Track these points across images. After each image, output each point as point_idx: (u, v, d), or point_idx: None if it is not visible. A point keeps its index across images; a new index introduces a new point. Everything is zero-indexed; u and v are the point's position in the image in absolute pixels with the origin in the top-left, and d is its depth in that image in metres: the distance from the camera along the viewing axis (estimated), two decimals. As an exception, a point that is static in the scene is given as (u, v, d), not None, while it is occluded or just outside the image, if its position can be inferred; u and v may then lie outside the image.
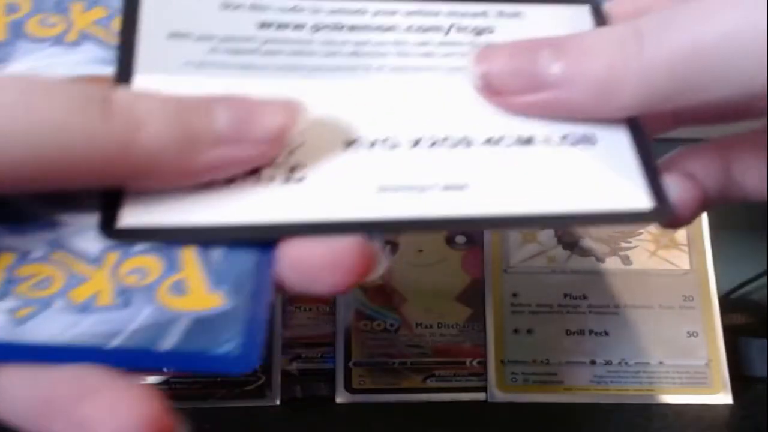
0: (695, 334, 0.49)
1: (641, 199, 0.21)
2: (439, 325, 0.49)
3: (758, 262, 0.56)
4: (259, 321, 0.19)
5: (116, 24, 0.23)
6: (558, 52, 0.21)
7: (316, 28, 0.23)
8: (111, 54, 0.22)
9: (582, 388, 0.48)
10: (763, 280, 0.57)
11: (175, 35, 0.22)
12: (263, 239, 0.20)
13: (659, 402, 0.47)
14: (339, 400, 0.47)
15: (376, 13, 0.24)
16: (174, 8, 0.23)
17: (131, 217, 0.20)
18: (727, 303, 0.51)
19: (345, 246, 0.19)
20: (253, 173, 0.20)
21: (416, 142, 0.22)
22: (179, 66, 0.22)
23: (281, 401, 0.47)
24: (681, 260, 0.51)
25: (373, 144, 0.21)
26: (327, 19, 0.23)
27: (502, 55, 0.22)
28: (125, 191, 0.20)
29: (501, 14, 0.24)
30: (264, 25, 0.23)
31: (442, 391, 0.48)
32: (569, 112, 0.22)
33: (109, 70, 0.22)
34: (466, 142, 0.22)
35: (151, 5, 0.23)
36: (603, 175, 0.22)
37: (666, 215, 0.21)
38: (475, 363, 0.49)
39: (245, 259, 0.20)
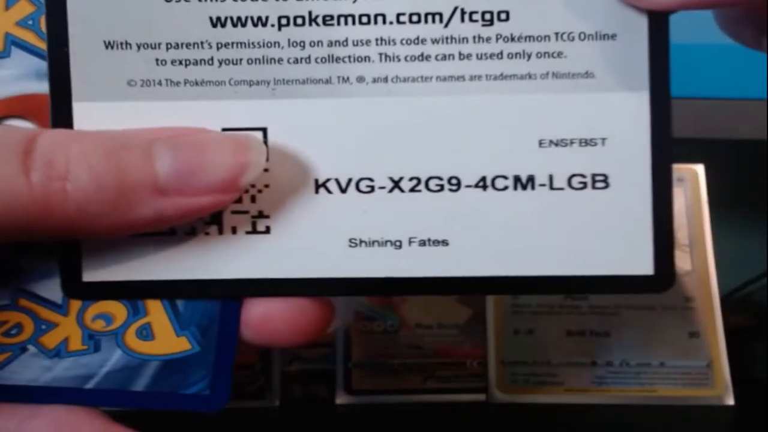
0: (697, 335, 0.49)
1: (643, 264, 0.19)
2: (440, 326, 0.49)
3: (760, 263, 0.56)
4: (227, 361, 0.19)
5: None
6: None
7: (281, 23, 0.19)
8: (45, 65, 0.19)
9: (583, 389, 0.48)
10: (765, 280, 0.57)
11: (113, 45, 0.19)
12: (227, 296, 0.20)
13: (660, 403, 0.47)
14: (339, 401, 0.47)
15: None
16: (108, 4, 0.19)
17: (91, 274, 0.19)
18: (728, 304, 0.51)
19: (306, 307, 0.19)
20: (214, 222, 0.19)
21: (396, 183, 0.19)
22: (121, 88, 0.19)
23: (281, 402, 0.47)
24: (682, 261, 0.50)
25: (347, 186, 0.19)
26: (295, 9, 0.19)
27: None
28: (82, 242, 0.19)
29: None
30: (217, 22, 0.19)
31: (443, 392, 0.48)
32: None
33: (46, 86, 0.19)
34: (455, 182, 0.19)
35: (79, 2, 0.19)
36: (606, 230, 0.19)
37: (667, 285, 0.19)
38: (475, 364, 0.48)
39: (211, 301, 0.20)
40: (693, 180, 0.51)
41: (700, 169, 0.51)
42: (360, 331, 0.49)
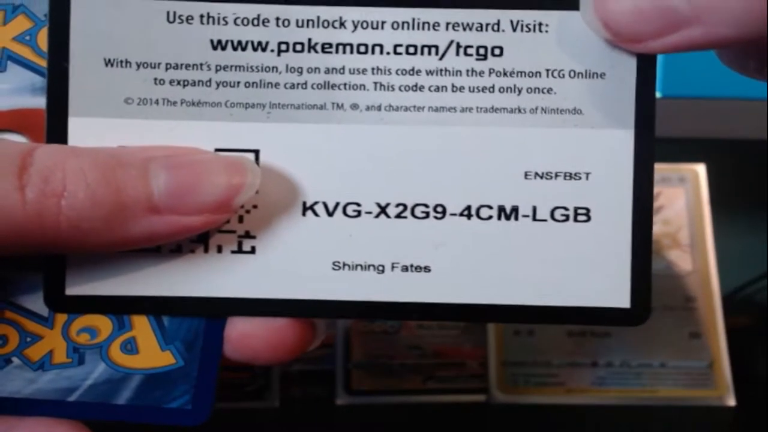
0: (698, 336, 0.49)
1: (621, 297, 0.20)
2: (440, 326, 0.49)
3: (761, 263, 0.56)
4: (210, 376, 0.20)
5: (43, 39, 0.20)
6: None
7: (281, 49, 0.19)
8: (42, 80, 0.20)
9: (583, 390, 0.47)
10: (766, 280, 0.57)
11: (112, 62, 0.19)
12: (209, 314, 0.20)
13: (661, 404, 0.47)
14: (339, 401, 0.47)
15: (357, 25, 0.20)
16: (110, 23, 0.19)
17: (75, 287, 0.19)
18: (729, 304, 0.51)
19: (287, 327, 0.19)
20: (200, 240, 0.19)
21: (383, 209, 0.20)
22: (119, 105, 0.19)
23: (280, 403, 0.47)
24: (683, 261, 0.50)
25: (333, 210, 0.20)
26: (295, 35, 0.19)
27: None
28: (66, 255, 0.19)
29: (516, 26, 0.20)
30: (218, 45, 0.19)
31: (443, 393, 0.48)
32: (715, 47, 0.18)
33: (43, 100, 0.19)
34: (440, 210, 0.20)
35: (82, 20, 0.19)
36: (585, 262, 0.20)
37: (643, 318, 0.20)
38: (475, 364, 0.48)
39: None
40: (694, 180, 0.51)
41: (701, 168, 0.51)
42: (360, 332, 0.49)
